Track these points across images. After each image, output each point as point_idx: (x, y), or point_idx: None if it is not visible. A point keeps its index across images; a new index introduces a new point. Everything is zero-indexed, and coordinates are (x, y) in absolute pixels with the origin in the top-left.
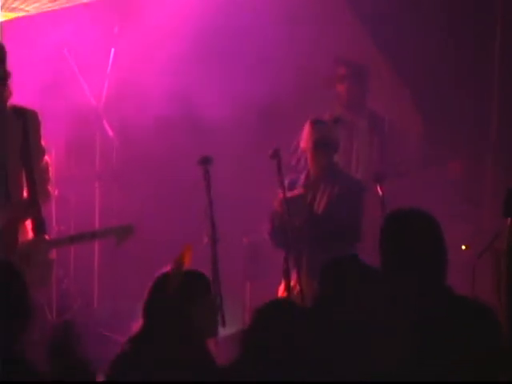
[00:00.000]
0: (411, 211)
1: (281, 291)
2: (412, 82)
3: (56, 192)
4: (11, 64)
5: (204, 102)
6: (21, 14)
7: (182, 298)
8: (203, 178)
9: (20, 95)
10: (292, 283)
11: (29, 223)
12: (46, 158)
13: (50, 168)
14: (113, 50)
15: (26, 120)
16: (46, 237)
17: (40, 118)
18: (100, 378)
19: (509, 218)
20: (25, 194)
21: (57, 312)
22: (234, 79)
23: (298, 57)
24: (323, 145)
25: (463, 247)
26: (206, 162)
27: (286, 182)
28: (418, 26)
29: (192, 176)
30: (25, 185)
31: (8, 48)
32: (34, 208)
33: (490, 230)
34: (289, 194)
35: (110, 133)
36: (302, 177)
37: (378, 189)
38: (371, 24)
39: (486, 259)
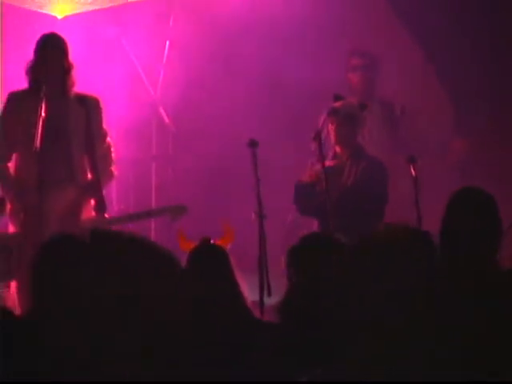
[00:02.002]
0: (476, 190)
1: None
2: (444, 70)
3: (117, 173)
4: (75, 56)
5: (251, 88)
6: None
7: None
8: (251, 159)
9: (84, 84)
10: None
11: (91, 202)
12: (109, 140)
13: (112, 149)
14: (168, 42)
15: (89, 107)
16: (106, 215)
17: (101, 104)
18: None
19: None
20: (88, 175)
21: None
22: (278, 65)
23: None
24: (336, 112)
25: None
26: (253, 144)
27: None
28: (450, 14)
29: (240, 157)
30: (88, 167)
31: (71, 41)
32: (95, 188)
33: None
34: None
35: (166, 119)
36: (330, 155)
37: (412, 169)
38: (406, 17)
39: None
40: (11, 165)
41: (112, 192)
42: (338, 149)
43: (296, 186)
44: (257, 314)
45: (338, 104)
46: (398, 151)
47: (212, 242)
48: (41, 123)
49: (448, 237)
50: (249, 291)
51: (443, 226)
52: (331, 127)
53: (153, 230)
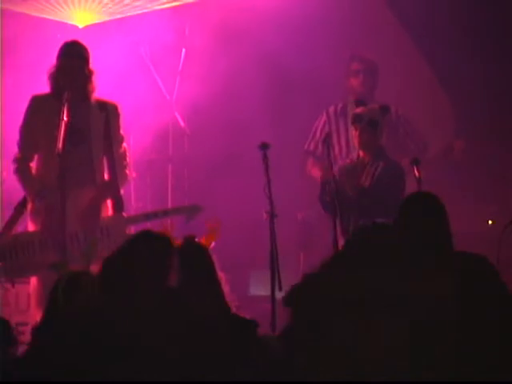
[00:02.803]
0: (420, 195)
1: None
2: (445, 73)
3: (134, 174)
4: (95, 64)
5: (262, 92)
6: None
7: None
8: (262, 161)
9: (104, 90)
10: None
11: (109, 202)
12: (125, 145)
13: (127, 154)
14: (184, 49)
15: (108, 112)
16: (124, 214)
17: (120, 110)
18: None
19: None
20: (106, 176)
21: None
22: (290, 70)
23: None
24: (359, 119)
25: (490, 222)
26: (264, 147)
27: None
28: (452, 17)
29: (253, 160)
30: (106, 168)
31: (92, 50)
32: (113, 188)
33: None
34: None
35: (181, 123)
36: (354, 157)
37: (415, 170)
38: (411, 25)
39: None
40: (33, 165)
41: (130, 191)
42: (361, 153)
43: (321, 183)
44: (268, 306)
45: (359, 110)
46: (397, 153)
47: (196, 240)
48: (63, 127)
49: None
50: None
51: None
52: (354, 133)
53: (169, 228)
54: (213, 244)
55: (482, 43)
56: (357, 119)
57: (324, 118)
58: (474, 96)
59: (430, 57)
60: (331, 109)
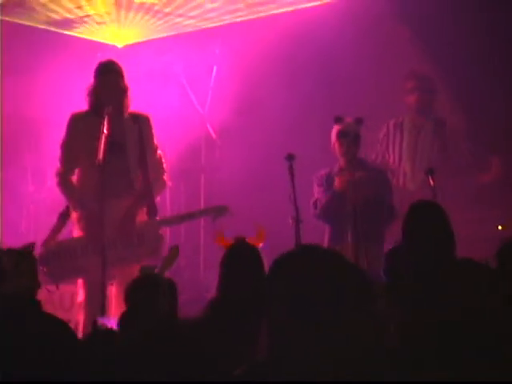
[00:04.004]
0: (425, 203)
1: None
2: (455, 80)
3: (170, 183)
4: (135, 81)
5: (289, 108)
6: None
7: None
8: (288, 171)
9: (143, 104)
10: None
11: (145, 208)
12: (160, 152)
13: (163, 160)
14: (215, 67)
15: (141, 123)
16: (157, 218)
17: (152, 121)
18: None
19: None
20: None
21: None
22: (311, 89)
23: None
24: (344, 135)
25: (499, 227)
26: (290, 158)
27: (323, 174)
28: (461, 27)
29: (279, 170)
30: (141, 177)
31: (131, 68)
32: (148, 196)
33: None
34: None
35: (213, 135)
36: (335, 169)
37: (430, 180)
38: (422, 35)
39: None
40: (74, 178)
41: (166, 198)
42: (346, 164)
43: (333, 195)
44: None
45: (342, 127)
46: (444, 163)
47: (246, 241)
48: (103, 139)
49: (411, 243)
50: None
51: (405, 234)
52: (341, 147)
53: (202, 229)
54: (261, 245)
55: (496, 52)
56: (343, 135)
57: (384, 130)
58: (486, 104)
59: (444, 67)
60: (392, 122)
